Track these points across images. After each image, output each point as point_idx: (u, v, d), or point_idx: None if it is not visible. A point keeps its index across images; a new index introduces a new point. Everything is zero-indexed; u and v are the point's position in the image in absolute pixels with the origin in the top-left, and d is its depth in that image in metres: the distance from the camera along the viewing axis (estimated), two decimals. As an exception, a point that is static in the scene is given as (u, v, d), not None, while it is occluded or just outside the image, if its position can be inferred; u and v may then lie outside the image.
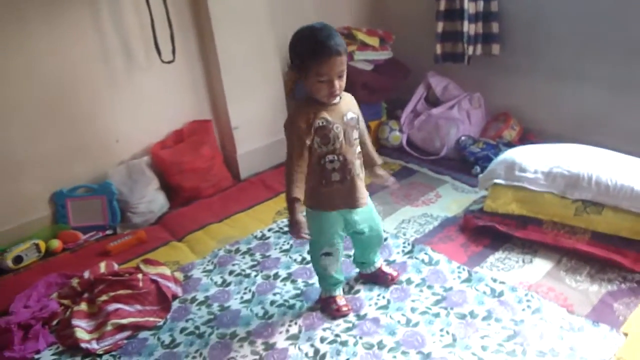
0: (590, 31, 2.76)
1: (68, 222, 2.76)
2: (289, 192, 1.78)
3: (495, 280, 2.09)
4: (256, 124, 3.17)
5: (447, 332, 1.88)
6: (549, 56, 2.94)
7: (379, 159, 2.10)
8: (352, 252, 2.20)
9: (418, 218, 2.60)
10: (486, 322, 1.90)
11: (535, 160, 2.32)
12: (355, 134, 1.89)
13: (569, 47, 2.85)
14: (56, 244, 2.66)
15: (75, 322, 2.09)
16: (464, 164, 2.99)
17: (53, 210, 2.77)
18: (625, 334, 1.79)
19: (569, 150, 2.34)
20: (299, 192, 1.78)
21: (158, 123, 2.98)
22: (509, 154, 2.41)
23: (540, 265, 2.15)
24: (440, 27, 3.07)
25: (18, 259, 2.55)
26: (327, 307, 2.05)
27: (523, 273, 2.13)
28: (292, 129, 1.81)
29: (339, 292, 2.07)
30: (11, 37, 2.47)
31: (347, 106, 1.88)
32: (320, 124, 1.79)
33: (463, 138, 3.05)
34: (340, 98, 1.85)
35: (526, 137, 3.01)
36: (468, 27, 2.97)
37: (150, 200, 2.85)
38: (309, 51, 1.72)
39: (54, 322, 2.15)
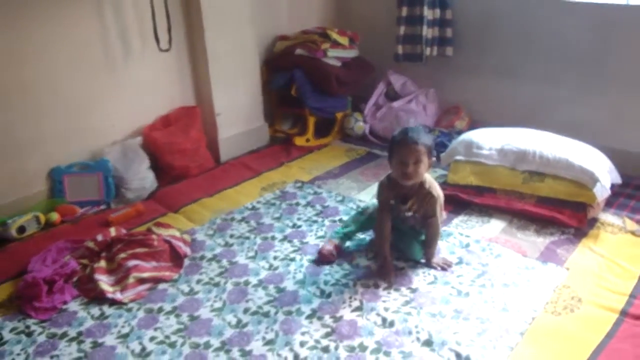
0: (529, 36, 3.30)
1: (65, 196, 2.92)
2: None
3: (461, 235, 2.52)
4: (236, 112, 3.48)
5: (429, 274, 2.28)
6: (494, 57, 3.46)
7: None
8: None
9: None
10: (459, 266, 2.32)
11: (489, 140, 2.79)
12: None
13: (511, 49, 3.39)
14: (55, 216, 2.81)
15: (97, 276, 2.27)
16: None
17: (50, 186, 2.93)
18: (567, 269, 2.27)
19: (516, 132, 2.83)
20: None
21: (148, 107, 3.22)
22: (467, 135, 2.86)
23: (496, 224, 2.61)
24: (401, 30, 3.52)
25: (21, 229, 2.68)
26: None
27: (483, 230, 2.58)
28: None
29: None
30: (15, 21, 2.62)
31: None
32: None
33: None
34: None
35: (474, 127, 3.47)
36: (426, 31, 3.45)
37: (143, 177, 3.07)
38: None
39: (74, 279, 2.31)
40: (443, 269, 2.30)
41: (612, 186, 2.62)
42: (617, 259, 2.32)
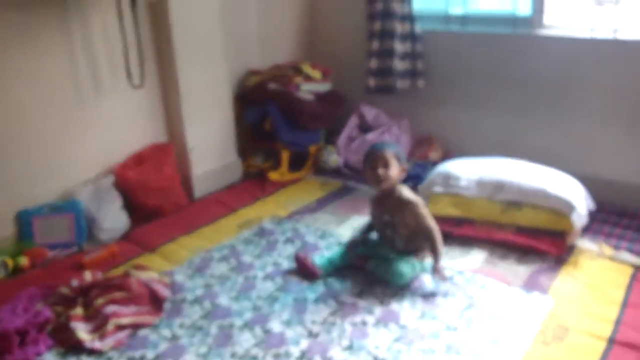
0: (496, 69, 3.38)
1: (34, 239, 2.82)
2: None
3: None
4: (209, 147, 3.44)
5: (416, 309, 2.26)
6: (465, 89, 3.53)
7: None
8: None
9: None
10: (445, 299, 2.32)
11: (466, 171, 2.82)
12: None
13: (480, 82, 3.46)
14: (24, 261, 2.68)
15: (73, 324, 2.17)
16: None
17: (18, 228, 2.81)
18: (552, 297, 2.29)
19: (492, 162, 2.87)
20: None
21: (120, 145, 3.15)
22: (444, 167, 2.89)
23: (478, 255, 2.63)
24: (373, 63, 3.57)
25: (-12, 276, 2.59)
26: None
27: (465, 261, 2.58)
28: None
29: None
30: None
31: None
32: None
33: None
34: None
35: (448, 157, 3.51)
36: (398, 64, 3.50)
37: (116, 218, 2.99)
38: None
39: (49, 328, 2.19)
40: (442, 277, 2.37)
41: (587, 213, 2.68)
42: (599, 285, 2.36)
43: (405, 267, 2.37)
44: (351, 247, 2.55)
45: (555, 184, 2.65)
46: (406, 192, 2.44)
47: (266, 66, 3.75)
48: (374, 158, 2.39)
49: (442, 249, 2.38)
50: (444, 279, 2.36)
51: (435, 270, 2.36)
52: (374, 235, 2.62)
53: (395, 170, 2.38)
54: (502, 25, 3.34)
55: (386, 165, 2.36)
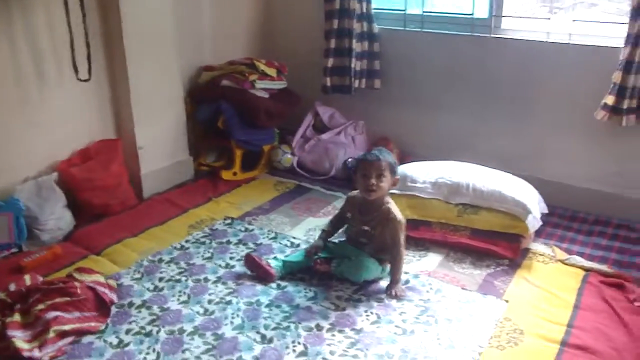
0: (453, 71, 3.39)
1: (-32, 240, 2.66)
2: None
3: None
4: (160, 145, 3.32)
5: (372, 313, 2.23)
6: (421, 90, 3.53)
7: None
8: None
9: (322, 226, 2.94)
10: (401, 303, 2.29)
11: (423, 173, 2.81)
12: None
13: (437, 83, 3.46)
14: (-43, 263, 2.56)
15: (10, 332, 2.03)
16: (351, 182, 3.39)
17: (-50, 229, 2.65)
18: (507, 301, 2.30)
19: (449, 165, 2.87)
20: None
21: (64, 141, 2.99)
22: (401, 169, 2.86)
23: (434, 258, 2.62)
24: (330, 62, 3.52)
25: None
26: None
27: (421, 264, 2.57)
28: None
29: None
30: None
31: None
32: None
33: (350, 160, 3.48)
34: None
35: (403, 159, 3.51)
36: (355, 64, 3.46)
37: (59, 217, 2.84)
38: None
39: (-18, 337, 2.10)
40: (394, 296, 2.31)
41: (541, 216, 2.70)
42: (552, 288, 2.38)
43: (373, 264, 2.36)
44: (310, 254, 2.46)
45: (511, 188, 2.67)
46: (394, 208, 2.38)
47: (220, 62, 3.65)
48: (368, 166, 2.32)
49: (401, 276, 2.38)
50: (398, 297, 2.32)
51: (390, 288, 2.34)
52: (334, 241, 2.56)
53: (387, 182, 2.34)
54: (460, 27, 3.35)
55: (379, 175, 2.30)
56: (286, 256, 2.56)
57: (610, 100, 2.80)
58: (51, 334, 2.05)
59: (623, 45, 2.75)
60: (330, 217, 2.66)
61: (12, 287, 2.27)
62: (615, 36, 2.89)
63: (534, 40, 3.12)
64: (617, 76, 2.77)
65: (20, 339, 2.03)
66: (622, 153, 3.00)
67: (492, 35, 3.24)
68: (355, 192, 2.49)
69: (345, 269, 2.37)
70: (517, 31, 3.24)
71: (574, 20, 2.97)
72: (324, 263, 2.44)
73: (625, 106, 2.77)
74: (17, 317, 2.13)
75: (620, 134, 2.94)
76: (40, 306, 2.14)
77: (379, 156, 2.33)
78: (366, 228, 2.38)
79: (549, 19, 3.05)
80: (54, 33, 2.80)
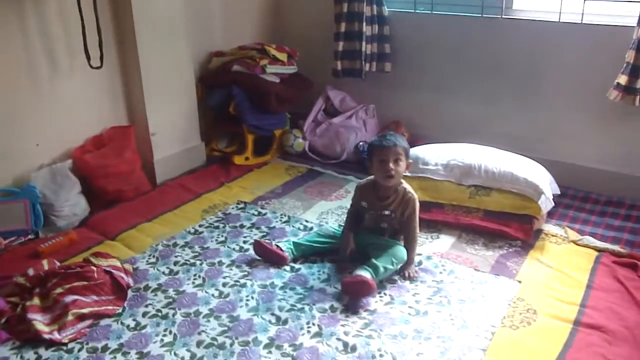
0: (464, 53, 3.37)
1: (-15, 227, 2.70)
2: None
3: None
4: (172, 131, 3.34)
5: (385, 294, 2.25)
6: (432, 73, 3.52)
7: None
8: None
9: (335, 210, 2.95)
10: (414, 284, 2.31)
11: (435, 155, 2.82)
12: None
13: (448, 65, 3.45)
14: (-24, 249, 2.59)
15: (30, 315, 2.08)
16: (363, 165, 3.41)
17: (-32, 216, 2.69)
18: (519, 281, 2.31)
19: (461, 147, 2.87)
20: None
21: (77, 128, 3.02)
22: (413, 151, 2.86)
23: (446, 240, 2.63)
24: (340, 46, 3.52)
25: (-63, 266, 2.46)
26: None
27: (433, 246, 2.58)
28: None
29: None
30: None
31: None
32: None
33: (361, 143, 3.49)
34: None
35: (414, 142, 3.51)
36: (365, 47, 3.45)
37: (74, 203, 2.88)
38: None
39: (3, 320, 2.10)
40: (407, 277, 2.32)
41: (553, 197, 2.70)
42: (564, 268, 2.38)
43: (403, 251, 2.36)
44: (348, 257, 2.43)
45: (523, 169, 2.66)
46: (409, 188, 2.40)
47: (230, 48, 3.65)
48: (385, 151, 2.29)
49: (414, 256, 2.40)
50: (411, 278, 2.33)
51: (404, 269, 2.35)
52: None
53: (403, 166, 2.33)
54: (470, 8, 3.32)
55: (397, 160, 2.29)
56: (299, 239, 2.58)
57: (623, 80, 2.78)
58: (70, 317, 2.09)
59: (636, 24, 2.73)
60: (346, 214, 2.56)
61: (31, 271, 2.30)
62: (628, 15, 2.86)
63: (545, 21, 3.10)
64: (630, 55, 2.74)
65: (40, 322, 2.07)
66: (635, 133, 2.98)
67: (503, 17, 3.22)
68: (364, 181, 2.48)
69: (384, 262, 2.29)
70: (528, 12, 3.22)
71: (585, 0, 2.94)
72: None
73: (638, 86, 2.75)
74: (36, 300, 2.17)
75: (634, 114, 2.92)
76: (59, 290, 2.18)
77: (395, 141, 2.31)
78: (387, 212, 2.38)
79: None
80: (66, 21, 2.82)
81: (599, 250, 2.51)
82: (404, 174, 2.39)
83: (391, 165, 2.28)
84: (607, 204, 2.97)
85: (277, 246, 2.47)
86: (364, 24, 3.42)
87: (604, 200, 3.01)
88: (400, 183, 2.38)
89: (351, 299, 2.20)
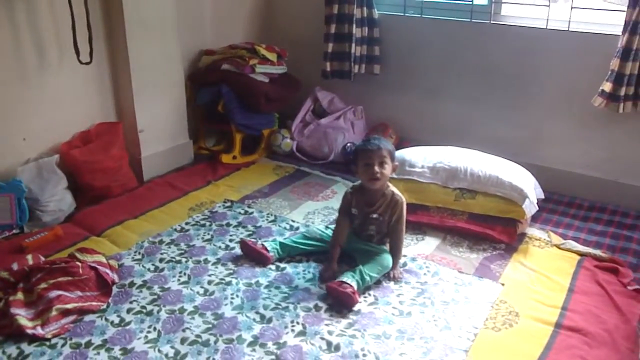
0: (452, 57, 3.40)
1: (-31, 221, 2.68)
2: None
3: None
4: (160, 128, 3.34)
5: (370, 294, 2.26)
6: (420, 76, 3.55)
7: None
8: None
9: (321, 210, 2.96)
10: (398, 285, 2.32)
11: (421, 158, 2.84)
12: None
13: (436, 69, 3.48)
14: (-41, 244, 2.57)
15: (13, 310, 2.06)
16: (350, 166, 3.43)
17: (-48, 209, 2.67)
18: (502, 284, 2.33)
19: (447, 150, 2.89)
20: None
21: (65, 123, 3.01)
22: (399, 153, 2.88)
23: (431, 242, 2.65)
24: (330, 47, 3.53)
25: None
26: None
27: (418, 248, 2.60)
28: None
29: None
30: None
31: None
32: None
33: (348, 144, 3.51)
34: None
35: (402, 144, 3.53)
36: (355, 49, 3.47)
37: (60, 198, 2.87)
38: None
39: (-15, 315, 2.12)
40: (392, 278, 2.35)
41: (537, 202, 2.73)
42: (547, 272, 2.41)
43: (389, 260, 2.37)
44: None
45: (508, 173, 2.70)
46: (396, 190, 2.41)
47: (220, 46, 3.66)
48: (370, 154, 2.30)
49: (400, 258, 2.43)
50: (399, 279, 2.36)
51: (391, 270, 2.37)
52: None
53: (389, 169, 2.33)
54: (459, 13, 3.36)
55: (382, 163, 2.30)
56: (285, 238, 2.59)
57: (607, 87, 2.82)
58: (54, 313, 2.08)
59: (621, 33, 2.77)
60: (334, 224, 2.53)
61: (15, 266, 2.29)
62: (614, 24, 2.91)
63: (533, 27, 3.14)
64: (615, 63, 2.79)
65: (23, 317, 2.06)
66: (619, 140, 3.03)
67: (492, 22, 3.25)
68: (351, 188, 2.46)
69: (370, 269, 2.30)
70: (516, 18, 3.26)
71: (573, 8, 2.98)
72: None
73: (622, 93, 2.79)
74: (20, 295, 2.16)
75: (617, 121, 2.97)
76: (43, 285, 2.17)
77: (379, 144, 2.32)
78: (375, 216, 2.39)
79: (548, 5, 3.06)
80: (56, 16, 2.81)
81: (581, 254, 2.54)
82: (391, 176, 2.41)
83: (376, 168, 2.28)
84: (591, 209, 3.01)
85: (263, 246, 2.48)
86: (354, 26, 3.43)
87: (587, 205, 3.05)
88: (387, 186, 2.40)
89: (333, 301, 2.21)
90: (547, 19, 3.07)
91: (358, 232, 2.46)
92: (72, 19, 2.76)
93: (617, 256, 2.55)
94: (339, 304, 2.18)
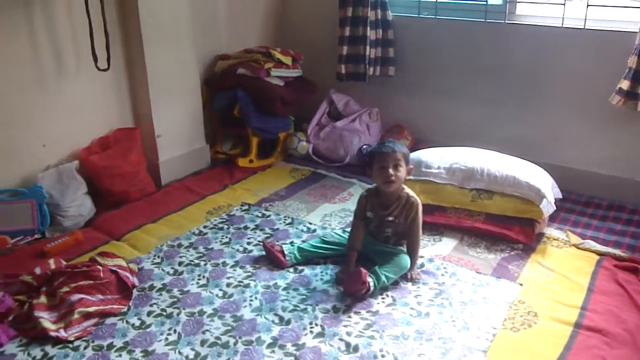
0: (467, 58, 3.40)
1: (-8, 226, 2.73)
2: None
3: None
4: (177, 133, 3.37)
5: (387, 295, 2.27)
6: (435, 77, 3.54)
7: None
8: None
9: (338, 212, 2.98)
10: (416, 286, 2.33)
11: (437, 159, 2.84)
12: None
13: (451, 70, 3.47)
14: (-17, 249, 2.62)
15: (37, 313, 2.10)
16: (365, 169, 3.44)
17: (-25, 215, 2.72)
18: (521, 284, 2.33)
19: (463, 151, 2.89)
20: None
21: (83, 129, 3.05)
22: (416, 155, 2.89)
23: (448, 243, 2.65)
24: (344, 50, 3.54)
25: (-55, 265, 2.48)
26: None
27: (435, 249, 2.60)
28: None
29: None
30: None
31: None
32: None
33: (364, 147, 3.52)
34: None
35: (417, 146, 3.52)
36: (369, 51, 3.48)
37: (80, 204, 2.91)
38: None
39: (10, 318, 2.13)
40: (410, 279, 2.36)
41: (555, 201, 2.72)
42: (565, 272, 2.40)
43: (407, 260, 2.38)
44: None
45: (525, 173, 2.69)
46: (411, 192, 2.41)
47: (235, 51, 3.69)
48: (385, 157, 2.31)
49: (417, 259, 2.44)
50: (416, 280, 2.37)
51: (409, 271, 2.38)
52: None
53: (403, 172, 2.34)
54: (474, 13, 3.35)
55: (396, 166, 2.30)
56: (303, 242, 2.60)
57: (625, 85, 2.80)
58: (76, 315, 2.11)
59: (638, 30, 2.75)
60: (351, 228, 2.52)
61: (38, 270, 2.33)
62: (631, 21, 2.88)
63: (548, 26, 3.12)
64: (632, 61, 2.76)
65: (46, 319, 2.10)
66: (637, 138, 3.00)
67: (507, 22, 3.24)
68: (366, 191, 2.47)
69: (387, 271, 2.32)
70: (531, 17, 3.24)
71: (588, 5, 2.96)
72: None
73: (640, 91, 2.77)
74: (43, 299, 2.20)
75: (635, 119, 2.93)
76: (65, 289, 2.21)
77: (394, 147, 2.33)
78: (391, 219, 2.39)
79: (563, 4, 3.04)
80: (73, 23, 2.85)
81: (600, 254, 2.53)
82: (408, 177, 2.42)
83: (391, 171, 2.29)
84: (609, 209, 2.99)
85: (281, 249, 2.50)
86: (368, 28, 3.45)
87: (605, 204, 3.03)
88: (402, 189, 2.40)
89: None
90: (563, 18, 3.06)
91: (375, 234, 2.47)
92: (89, 26, 2.81)
93: (636, 255, 2.53)
94: (349, 288, 2.25)
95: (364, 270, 2.23)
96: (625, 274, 2.38)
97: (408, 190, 2.42)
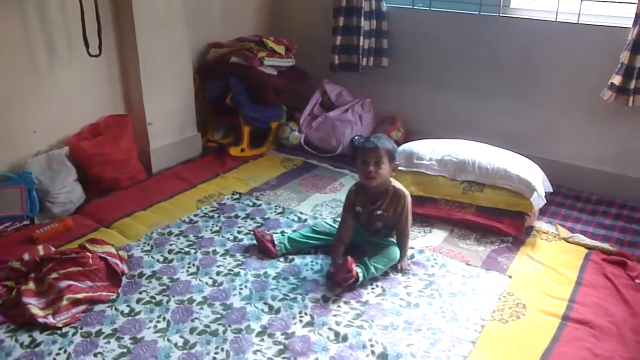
0: (461, 50, 3.40)
1: (-20, 212, 2.71)
2: None
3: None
4: (169, 121, 3.35)
5: (377, 286, 2.28)
6: (427, 69, 3.55)
7: None
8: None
9: (329, 202, 2.98)
10: (406, 277, 2.34)
11: (429, 150, 2.84)
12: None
13: (445, 62, 3.48)
14: (-29, 234, 2.60)
15: (25, 299, 2.09)
16: (352, 162, 3.43)
17: (-36, 200, 2.69)
18: (510, 276, 2.34)
19: (456, 143, 2.89)
20: None
21: (74, 116, 3.03)
22: (407, 146, 2.90)
23: (438, 234, 2.66)
24: (338, 40, 3.53)
25: None
26: None
27: (426, 240, 2.61)
28: None
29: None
30: None
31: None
32: None
33: (356, 137, 3.47)
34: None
35: (409, 137, 3.52)
36: (363, 42, 3.47)
37: (70, 190, 2.89)
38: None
39: (-2, 303, 2.14)
40: (400, 270, 2.36)
41: (545, 195, 2.73)
42: (554, 265, 2.42)
43: (396, 252, 2.38)
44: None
45: (516, 166, 2.69)
46: (399, 185, 2.40)
47: (229, 39, 3.67)
48: (367, 153, 2.30)
49: (407, 250, 2.44)
50: (406, 271, 2.37)
51: (399, 262, 2.38)
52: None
53: (386, 169, 2.32)
54: (468, 6, 3.35)
55: (378, 162, 2.29)
56: (293, 231, 2.60)
57: (617, 80, 2.81)
58: (64, 302, 2.10)
59: (632, 26, 2.76)
60: (340, 222, 2.49)
61: (26, 256, 2.32)
62: (624, 16, 2.89)
63: (542, 20, 3.12)
64: (625, 56, 2.77)
65: (34, 306, 2.09)
66: (628, 133, 3.02)
67: (501, 15, 3.24)
68: (354, 186, 2.46)
69: (377, 261, 2.32)
70: (525, 11, 3.25)
71: (582, 0, 2.97)
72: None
73: (632, 86, 2.78)
74: (31, 285, 2.19)
75: (627, 114, 2.95)
76: (54, 275, 2.20)
77: (376, 143, 2.31)
78: (379, 212, 2.39)
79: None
80: (65, 8, 2.82)
81: (589, 247, 2.54)
82: (400, 168, 2.41)
83: (371, 167, 2.28)
84: (599, 203, 3.01)
85: (272, 239, 2.50)
86: (363, 18, 3.43)
87: (595, 198, 3.05)
88: (389, 182, 2.39)
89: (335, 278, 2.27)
90: (557, 12, 3.06)
91: (366, 227, 2.47)
92: (81, 11, 2.78)
93: (625, 250, 2.55)
94: (338, 277, 2.25)
95: (350, 259, 2.24)
96: (613, 267, 2.40)
97: (395, 183, 2.41)
